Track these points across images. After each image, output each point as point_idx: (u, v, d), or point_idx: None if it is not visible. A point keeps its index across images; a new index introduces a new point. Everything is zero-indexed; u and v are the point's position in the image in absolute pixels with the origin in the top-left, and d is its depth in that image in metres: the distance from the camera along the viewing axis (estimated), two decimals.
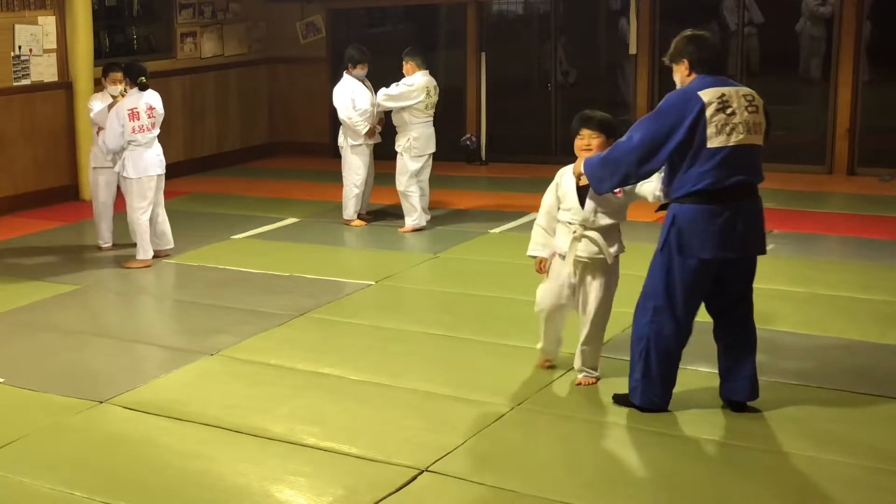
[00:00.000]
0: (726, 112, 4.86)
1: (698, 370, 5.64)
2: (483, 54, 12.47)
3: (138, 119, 8.09)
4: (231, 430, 5.09)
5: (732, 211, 4.93)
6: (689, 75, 5.04)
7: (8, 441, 5.03)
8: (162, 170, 8.30)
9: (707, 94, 4.87)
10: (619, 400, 5.27)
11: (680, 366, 5.65)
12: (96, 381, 5.83)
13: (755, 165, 5.03)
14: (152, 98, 8.24)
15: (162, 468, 4.75)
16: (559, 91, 12.46)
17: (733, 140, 4.86)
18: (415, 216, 9.19)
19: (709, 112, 4.84)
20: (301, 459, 4.78)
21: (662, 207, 5.18)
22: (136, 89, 8.17)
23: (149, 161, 8.19)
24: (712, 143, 4.84)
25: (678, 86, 5.11)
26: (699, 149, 4.86)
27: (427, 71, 9.19)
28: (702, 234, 4.92)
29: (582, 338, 5.48)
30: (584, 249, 5.36)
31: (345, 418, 5.23)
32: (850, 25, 10.84)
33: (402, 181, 9.19)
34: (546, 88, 12.49)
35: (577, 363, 5.54)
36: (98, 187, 8.70)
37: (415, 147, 9.15)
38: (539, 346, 5.74)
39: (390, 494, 4.41)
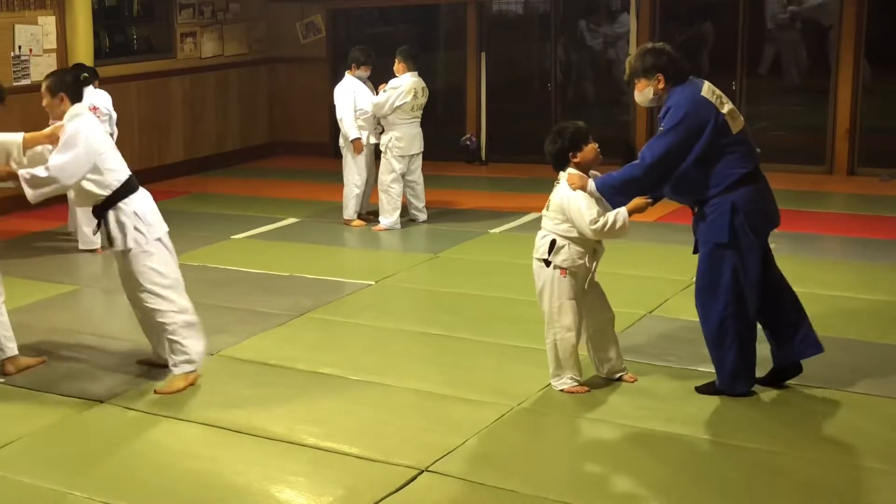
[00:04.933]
0: (724, 101, 5.20)
1: (698, 370, 5.64)
2: (483, 54, 12.48)
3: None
4: (231, 430, 5.09)
5: (767, 185, 5.33)
6: (662, 88, 5.23)
7: (8, 441, 5.03)
8: None
9: (707, 94, 5.17)
10: (707, 390, 5.35)
11: (680, 366, 5.68)
12: (96, 381, 5.82)
13: (753, 144, 5.37)
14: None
15: (162, 468, 4.75)
16: (559, 91, 12.47)
17: (740, 125, 5.21)
18: (391, 217, 9.23)
19: (718, 106, 5.14)
20: (301, 459, 4.78)
21: (698, 204, 5.28)
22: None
23: None
24: (734, 129, 5.15)
25: (646, 98, 5.30)
26: (728, 139, 5.13)
27: (417, 73, 9.22)
28: (762, 211, 5.27)
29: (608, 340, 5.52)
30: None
31: (345, 418, 5.23)
32: (850, 25, 10.84)
33: (384, 179, 9.25)
34: (546, 88, 12.49)
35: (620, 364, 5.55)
36: None
37: (397, 146, 9.19)
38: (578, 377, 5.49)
39: (390, 494, 4.40)
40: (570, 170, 5.32)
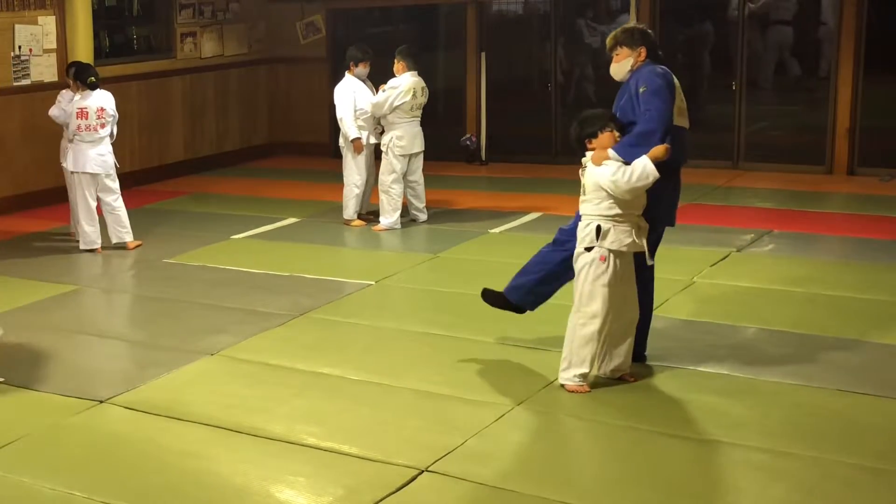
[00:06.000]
0: (680, 97, 5.40)
1: (698, 370, 5.65)
2: (483, 54, 12.48)
3: (85, 118, 8.54)
4: (231, 430, 5.10)
5: (677, 186, 5.56)
6: (641, 61, 5.48)
7: (8, 441, 5.03)
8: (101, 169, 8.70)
9: (674, 80, 5.41)
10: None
11: (680, 366, 5.67)
12: (96, 381, 5.83)
13: (688, 146, 5.56)
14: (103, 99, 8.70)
15: (162, 468, 4.75)
16: (559, 91, 12.47)
17: (684, 122, 5.40)
18: (391, 217, 9.24)
19: (678, 95, 5.39)
20: (301, 459, 4.78)
21: None
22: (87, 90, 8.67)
23: (89, 159, 8.63)
24: (677, 122, 5.34)
25: (623, 70, 5.53)
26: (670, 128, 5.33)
27: (416, 72, 9.22)
28: (665, 206, 5.46)
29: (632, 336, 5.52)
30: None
31: (345, 418, 5.23)
32: (850, 25, 10.84)
33: (385, 179, 9.25)
34: (546, 88, 12.49)
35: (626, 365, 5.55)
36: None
37: (398, 146, 9.19)
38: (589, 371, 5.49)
39: (390, 494, 4.41)
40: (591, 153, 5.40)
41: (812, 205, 9.83)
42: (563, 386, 5.42)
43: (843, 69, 10.92)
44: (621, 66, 5.53)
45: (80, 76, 8.69)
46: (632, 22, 11.45)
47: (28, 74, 10.45)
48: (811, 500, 4.32)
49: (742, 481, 4.48)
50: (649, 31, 5.65)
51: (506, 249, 8.42)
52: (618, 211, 5.25)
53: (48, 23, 10.56)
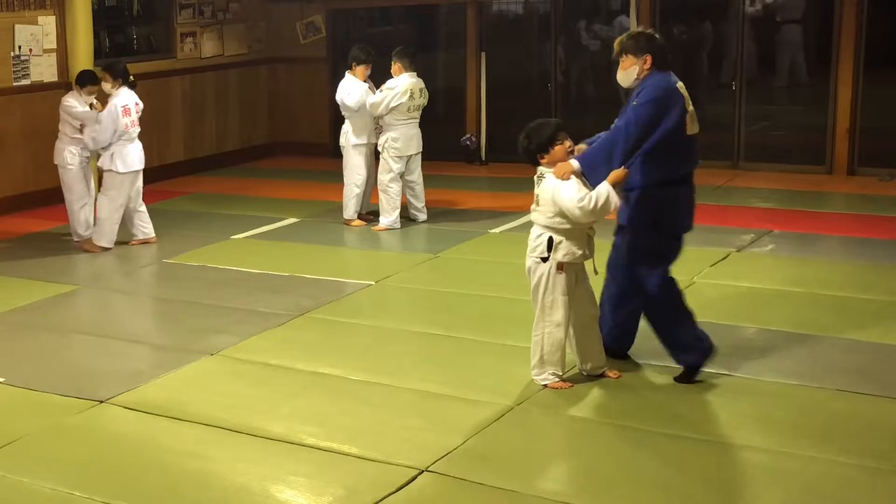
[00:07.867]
0: (689, 103, 5.37)
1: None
2: (483, 54, 12.48)
3: (129, 115, 8.59)
4: (231, 430, 5.10)
5: (692, 192, 5.54)
6: (647, 69, 5.40)
7: (8, 441, 5.04)
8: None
9: (680, 88, 5.36)
10: (684, 378, 5.52)
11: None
12: (96, 381, 5.83)
13: (698, 152, 5.57)
14: (136, 96, 8.77)
15: (162, 468, 4.75)
16: (559, 91, 12.47)
17: (695, 129, 5.39)
18: (390, 216, 9.24)
19: (685, 102, 5.33)
20: (301, 459, 4.78)
21: (627, 190, 5.44)
22: (125, 87, 8.70)
23: (135, 156, 8.71)
24: (689, 131, 5.34)
25: (629, 77, 5.46)
26: (681, 137, 5.31)
27: (415, 73, 9.21)
28: (682, 213, 5.47)
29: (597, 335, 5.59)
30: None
31: (345, 418, 5.23)
32: (850, 25, 10.84)
33: (382, 179, 9.26)
34: (546, 88, 12.49)
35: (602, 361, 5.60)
36: (81, 182, 8.83)
37: (394, 147, 9.19)
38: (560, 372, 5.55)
39: (390, 494, 4.41)
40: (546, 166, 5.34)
41: (812, 205, 9.83)
42: (544, 386, 5.45)
43: (842, 69, 10.92)
44: (627, 74, 5.45)
45: (120, 74, 8.65)
46: (632, 22, 11.52)
47: (28, 74, 10.45)
48: (811, 500, 4.32)
49: (742, 481, 4.48)
50: (656, 35, 5.53)
51: (506, 249, 8.42)
52: (569, 226, 5.28)
53: (48, 23, 10.55)
